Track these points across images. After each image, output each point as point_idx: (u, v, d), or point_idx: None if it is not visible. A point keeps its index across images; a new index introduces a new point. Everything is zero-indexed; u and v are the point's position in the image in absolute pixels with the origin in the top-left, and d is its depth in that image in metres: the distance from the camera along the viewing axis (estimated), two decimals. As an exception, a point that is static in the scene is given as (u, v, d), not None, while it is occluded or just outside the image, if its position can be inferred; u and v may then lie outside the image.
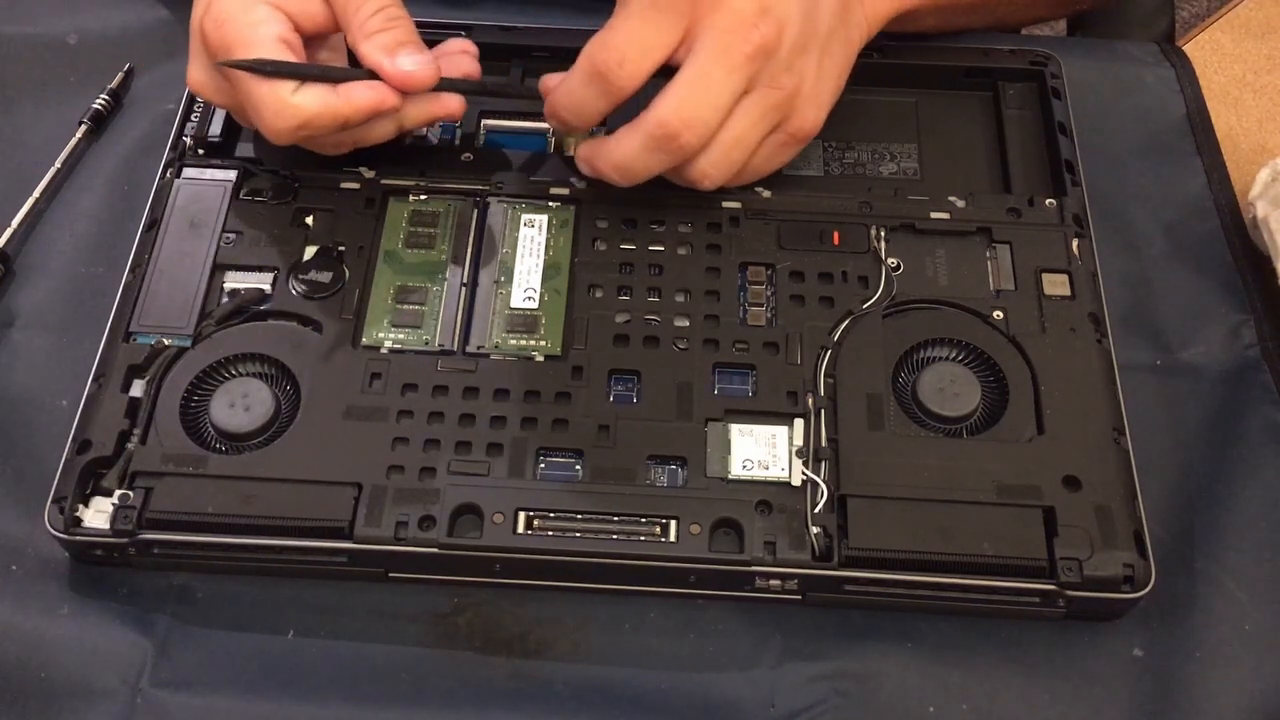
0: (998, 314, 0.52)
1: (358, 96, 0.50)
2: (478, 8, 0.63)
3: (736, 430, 0.49)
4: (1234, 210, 0.59)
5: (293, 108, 0.50)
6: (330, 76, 0.51)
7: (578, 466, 0.48)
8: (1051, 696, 0.46)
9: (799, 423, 0.49)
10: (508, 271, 0.53)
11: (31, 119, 0.60)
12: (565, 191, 0.55)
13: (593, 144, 0.52)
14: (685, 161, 0.51)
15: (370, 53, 0.50)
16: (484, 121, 0.59)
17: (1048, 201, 0.55)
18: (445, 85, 0.52)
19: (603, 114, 0.51)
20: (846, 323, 0.51)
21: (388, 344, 0.51)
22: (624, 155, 0.50)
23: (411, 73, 0.50)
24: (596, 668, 0.46)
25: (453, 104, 0.52)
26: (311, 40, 0.53)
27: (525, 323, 0.52)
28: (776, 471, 0.48)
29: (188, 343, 0.50)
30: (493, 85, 0.57)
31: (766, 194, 0.55)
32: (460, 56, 0.54)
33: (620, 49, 0.49)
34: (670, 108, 0.49)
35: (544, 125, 0.58)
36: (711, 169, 0.51)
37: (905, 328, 0.51)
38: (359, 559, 0.47)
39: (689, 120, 0.49)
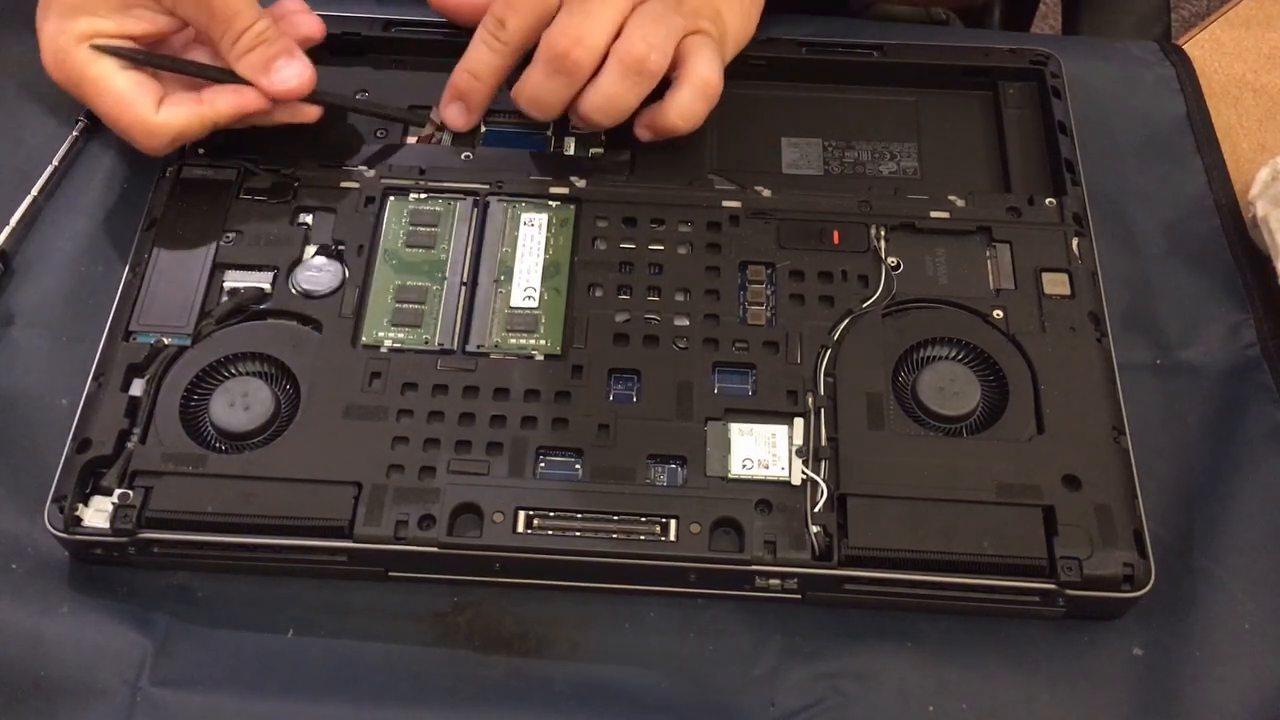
0: (998, 313, 0.52)
1: (223, 104, 0.53)
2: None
3: (736, 429, 0.49)
4: (1234, 210, 0.59)
5: (161, 128, 0.52)
6: (202, 74, 0.53)
7: (577, 466, 0.48)
8: (1051, 696, 0.46)
9: (799, 422, 0.49)
10: (507, 271, 0.53)
11: (31, 118, 0.60)
12: (565, 191, 0.55)
13: (514, 88, 0.54)
14: (589, 80, 0.52)
15: (246, 72, 0.53)
16: (483, 120, 0.59)
17: (1048, 201, 0.55)
18: (319, 97, 0.55)
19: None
20: (846, 322, 0.51)
21: (387, 343, 0.51)
22: (531, 88, 0.53)
23: (288, 86, 0.53)
24: (596, 667, 0.46)
25: (312, 113, 0.55)
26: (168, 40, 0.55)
27: (525, 322, 0.52)
28: (776, 471, 0.48)
29: (187, 342, 0.50)
30: (365, 105, 0.58)
31: (766, 193, 0.55)
32: (298, 16, 0.56)
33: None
34: (556, 31, 0.52)
35: (544, 125, 0.58)
36: (640, 53, 0.52)
37: (905, 327, 0.51)
38: (359, 558, 0.47)
39: (576, 38, 0.51)
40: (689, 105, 0.53)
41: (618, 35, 0.52)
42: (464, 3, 0.57)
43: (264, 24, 0.53)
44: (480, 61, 0.54)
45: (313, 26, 0.56)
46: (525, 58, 0.54)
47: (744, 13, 0.56)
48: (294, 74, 0.53)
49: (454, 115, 0.56)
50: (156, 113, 0.52)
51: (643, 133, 0.55)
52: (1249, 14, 0.68)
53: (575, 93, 0.53)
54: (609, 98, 0.53)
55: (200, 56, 0.55)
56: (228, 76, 0.53)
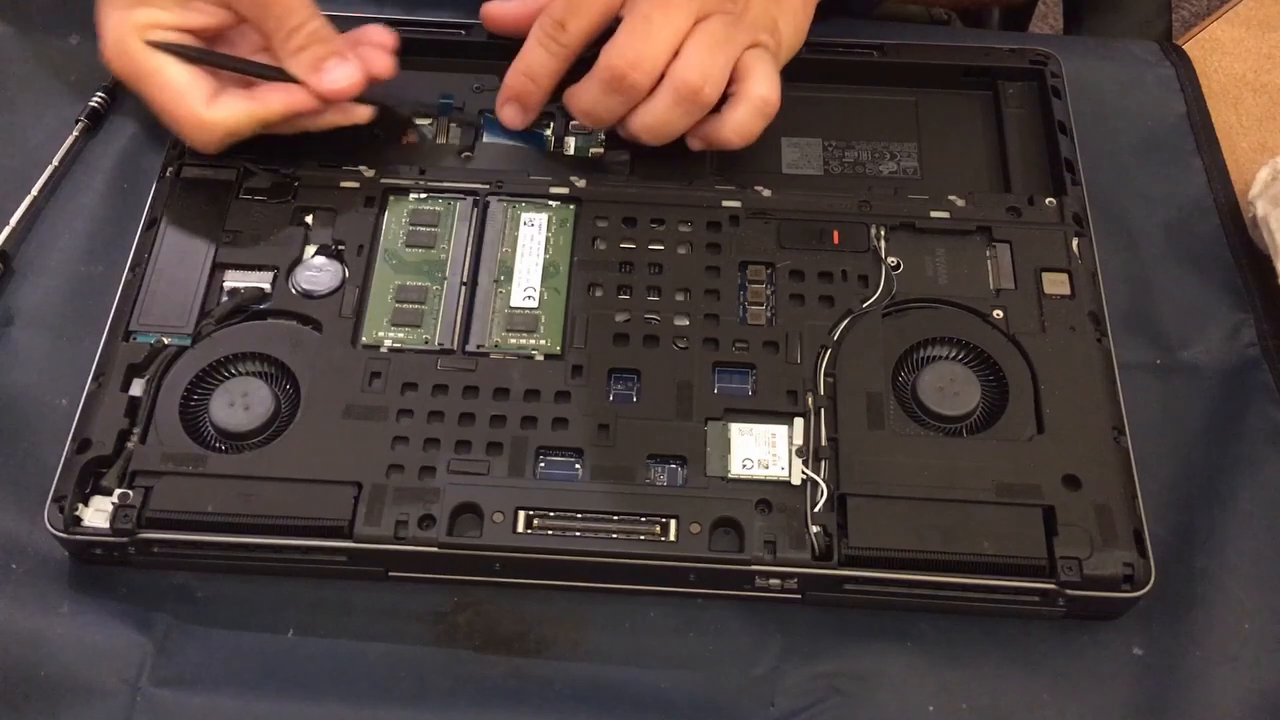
0: (997, 313, 0.52)
1: (274, 102, 0.53)
2: (472, 6, 0.63)
3: (736, 429, 0.49)
4: (1234, 209, 0.59)
5: (213, 124, 0.52)
6: (256, 72, 0.53)
7: (577, 466, 0.48)
8: (1052, 696, 0.46)
9: (799, 422, 0.49)
10: (507, 270, 0.53)
11: (31, 118, 0.60)
12: (565, 190, 0.55)
13: (566, 93, 0.54)
14: (642, 100, 0.52)
15: (297, 70, 0.53)
16: (484, 118, 0.58)
17: (1048, 200, 0.55)
18: (373, 98, 0.54)
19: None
20: (846, 322, 0.51)
21: (387, 343, 0.51)
22: (587, 102, 0.53)
23: (337, 88, 0.53)
24: (596, 667, 0.46)
25: (363, 113, 0.55)
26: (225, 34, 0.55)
27: (525, 322, 0.52)
28: (776, 470, 0.48)
29: (187, 342, 0.51)
30: (413, 106, 0.58)
31: (766, 193, 0.55)
32: (374, 51, 0.55)
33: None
34: (615, 51, 0.51)
35: (542, 122, 0.58)
36: (695, 85, 0.51)
37: (905, 327, 0.51)
38: (359, 558, 0.47)
39: (634, 60, 0.51)
40: (745, 123, 0.53)
41: (677, 53, 0.51)
42: (519, 18, 0.56)
43: (318, 23, 0.53)
44: (537, 63, 0.54)
45: (382, 66, 0.55)
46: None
47: (797, 25, 0.56)
48: (344, 75, 0.53)
49: (510, 116, 0.56)
50: (209, 108, 0.52)
51: (695, 143, 0.54)
52: (1249, 14, 0.68)
53: (630, 109, 0.53)
54: (660, 122, 0.53)
55: (258, 54, 0.55)
56: (281, 75, 0.53)
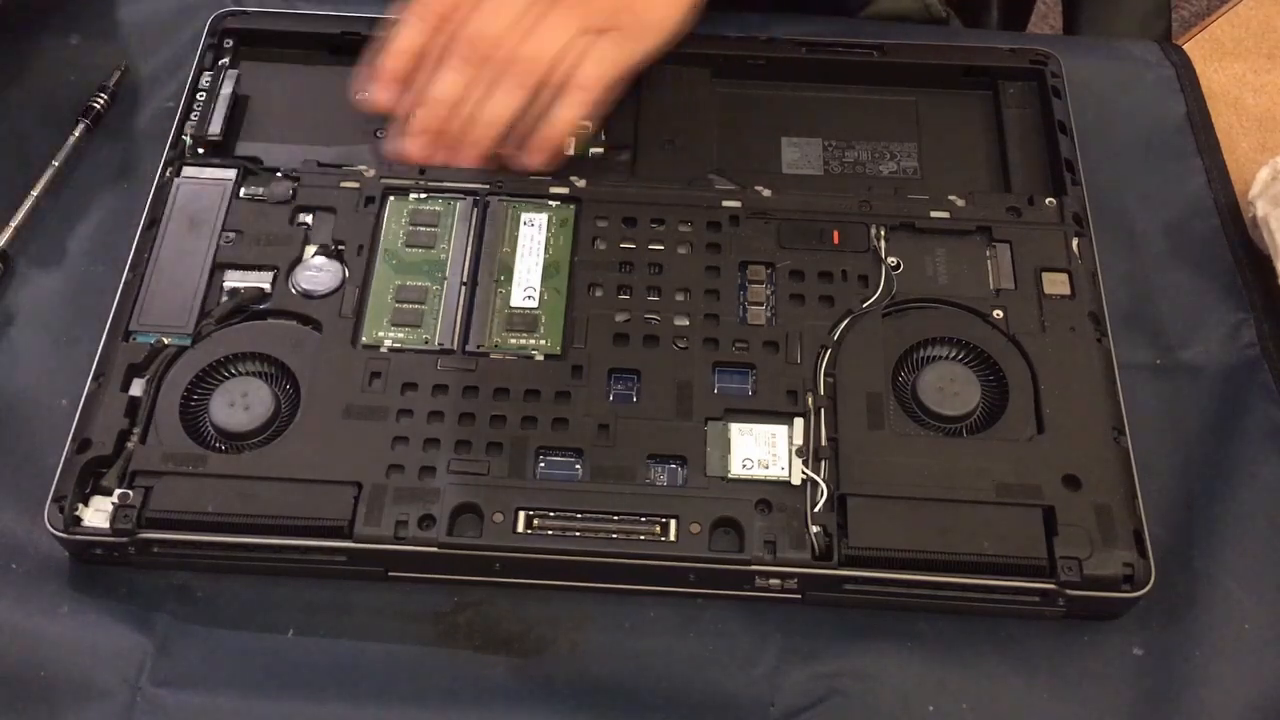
0: (997, 313, 0.52)
1: None
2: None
3: (736, 429, 0.49)
4: (1234, 209, 0.59)
5: None
6: None
7: (578, 466, 0.48)
8: (1051, 696, 0.46)
9: (799, 422, 0.49)
10: (507, 270, 0.53)
11: (31, 118, 0.60)
12: (565, 190, 0.55)
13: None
14: (504, 70, 0.50)
15: None
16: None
17: (1048, 200, 0.55)
18: None
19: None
20: (846, 322, 0.51)
21: (387, 343, 0.51)
22: (444, 85, 0.51)
23: None
24: (596, 666, 0.46)
25: None
26: None
27: (525, 322, 0.52)
28: (776, 470, 0.48)
29: (187, 342, 0.51)
30: None
31: (766, 193, 0.55)
32: None
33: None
34: (469, 26, 0.50)
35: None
36: (488, 41, 0.50)
37: (905, 327, 0.51)
38: (359, 558, 0.47)
39: (482, 27, 0.50)
40: (564, 116, 0.52)
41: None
42: None
43: None
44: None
45: None
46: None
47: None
48: None
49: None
50: None
51: (533, 158, 0.53)
52: (1249, 14, 0.68)
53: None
54: (447, 87, 0.50)
55: None
56: None
